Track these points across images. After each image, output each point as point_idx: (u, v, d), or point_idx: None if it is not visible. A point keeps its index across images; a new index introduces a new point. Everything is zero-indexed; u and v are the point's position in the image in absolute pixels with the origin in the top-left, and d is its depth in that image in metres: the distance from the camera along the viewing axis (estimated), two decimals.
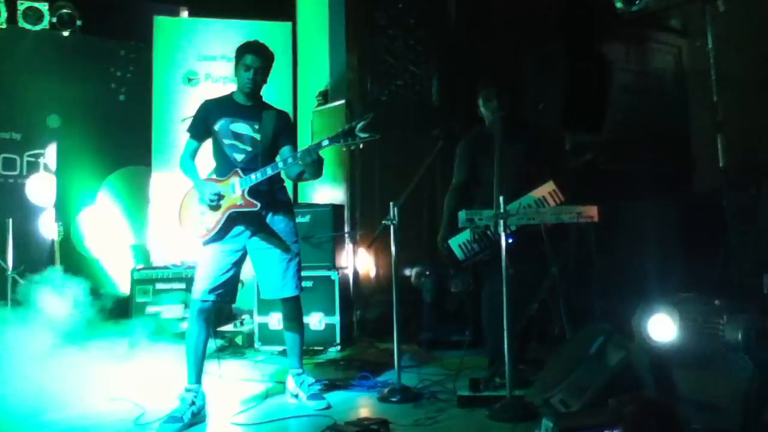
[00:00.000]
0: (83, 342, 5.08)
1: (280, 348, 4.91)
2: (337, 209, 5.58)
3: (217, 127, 3.56)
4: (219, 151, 3.61)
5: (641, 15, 4.89)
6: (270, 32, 6.35)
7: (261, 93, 3.66)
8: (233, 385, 4.17)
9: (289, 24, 6.69)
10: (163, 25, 6.56)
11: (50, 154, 6.99)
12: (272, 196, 3.61)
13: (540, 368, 3.75)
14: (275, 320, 5.04)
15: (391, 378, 3.88)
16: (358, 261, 5.99)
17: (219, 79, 6.46)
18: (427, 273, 5.34)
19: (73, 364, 4.62)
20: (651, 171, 4.86)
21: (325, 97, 6.57)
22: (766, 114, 4.30)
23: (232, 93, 3.69)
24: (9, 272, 5.70)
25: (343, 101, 6.24)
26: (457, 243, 3.93)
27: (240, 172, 3.48)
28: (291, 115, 5.10)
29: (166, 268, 5.68)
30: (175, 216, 3.64)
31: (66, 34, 7.30)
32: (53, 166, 7.00)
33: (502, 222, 3.35)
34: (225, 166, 3.56)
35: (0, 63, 6.91)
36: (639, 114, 5.11)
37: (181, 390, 3.43)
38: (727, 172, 3.89)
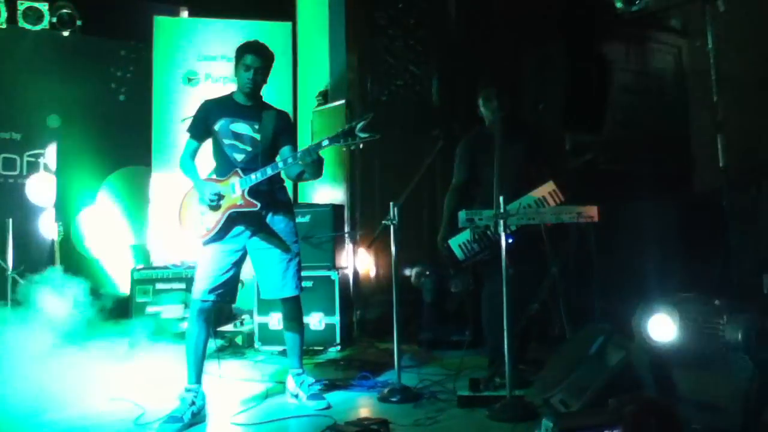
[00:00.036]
0: (83, 342, 5.08)
1: (280, 348, 4.91)
2: (337, 209, 5.58)
3: (217, 127, 3.56)
4: (219, 151, 3.61)
5: (641, 15, 4.89)
6: (270, 32, 6.36)
7: (261, 93, 3.66)
8: (233, 385, 4.17)
9: (289, 24, 6.70)
10: (163, 25, 6.56)
11: (50, 154, 6.99)
12: (272, 196, 3.61)
13: (540, 368, 3.75)
14: (275, 320, 5.04)
15: (391, 378, 3.88)
16: (358, 261, 5.99)
17: (219, 79, 6.46)
18: (427, 273, 5.34)
19: (73, 364, 4.62)
20: (651, 171, 4.86)
21: (325, 97, 6.57)
22: (766, 114, 4.30)
23: (232, 93, 3.69)
24: (9, 272, 5.70)
25: (343, 101, 6.25)
26: (457, 243, 3.93)
27: (240, 172, 3.48)
28: (291, 115, 5.10)
29: (166, 268, 5.68)
30: (175, 216, 3.64)
31: (66, 34, 7.31)
32: (53, 166, 7.00)
33: (502, 222, 3.35)
34: (225, 166, 3.56)
35: (0, 63, 6.91)
36: (639, 114, 5.11)
37: (181, 390, 3.43)
38: (727, 172, 3.89)
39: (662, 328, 2.99)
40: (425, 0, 6.57)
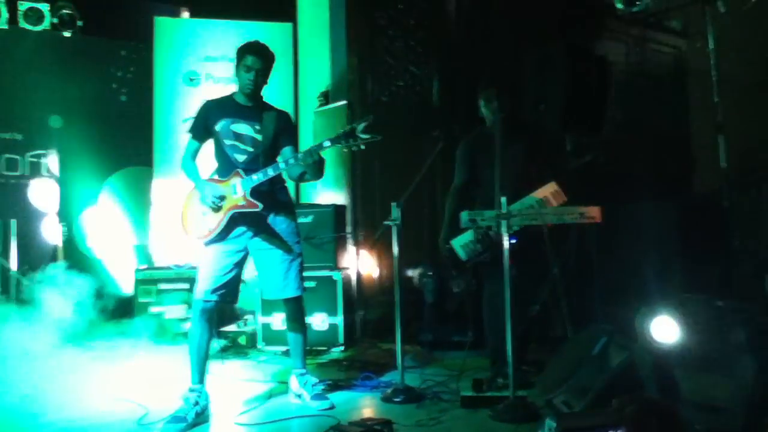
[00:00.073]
0: (86, 342, 5.10)
1: (283, 348, 4.91)
2: (339, 210, 5.59)
3: (218, 127, 3.57)
4: (220, 152, 3.61)
5: (642, 16, 4.90)
6: (271, 33, 6.37)
7: (262, 93, 3.67)
8: (236, 385, 4.17)
9: (289, 25, 6.70)
10: (164, 25, 6.57)
11: (53, 160, 6.98)
12: (273, 196, 3.61)
13: (542, 369, 3.77)
14: (278, 320, 5.05)
15: (394, 378, 3.88)
16: (360, 261, 6.00)
17: (220, 79, 6.47)
18: (429, 273, 5.35)
19: (76, 364, 4.65)
20: (651, 172, 4.87)
21: (326, 97, 6.57)
22: (766, 115, 4.31)
23: (233, 93, 3.69)
24: (12, 272, 5.72)
25: (344, 102, 6.25)
26: (460, 243, 3.94)
27: (241, 172, 3.49)
28: (292, 115, 5.10)
29: (168, 268, 5.69)
30: (177, 217, 3.64)
31: (67, 34, 7.30)
32: (56, 170, 6.98)
33: (505, 222, 3.36)
34: (226, 167, 3.57)
35: (1, 63, 6.91)
36: (639, 114, 5.11)
37: (185, 390, 3.43)
38: (728, 173, 3.91)
39: (665, 329, 2.99)
40: (425, 0, 6.58)
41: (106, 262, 7.10)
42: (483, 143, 3.98)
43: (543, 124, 4.53)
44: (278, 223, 3.63)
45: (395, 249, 3.83)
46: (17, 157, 6.93)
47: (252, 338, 5.33)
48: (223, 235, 3.51)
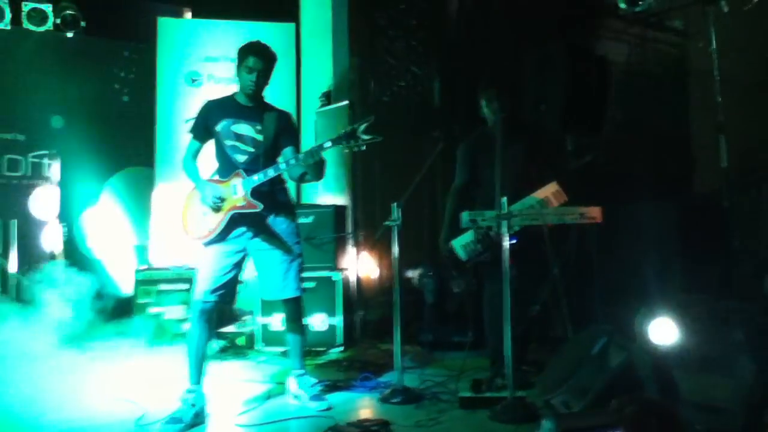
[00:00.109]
0: (85, 342, 5.10)
1: (282, 349, 4.90)
2: (339, 210, 5.59)
3: (218, 127, 3.57)
4: (221, 152, 3.61)
5: (643, 16, 4.89)
6: (273, 33, 6.36)
7: (263, 93, 3.66)
8: (235, 385, 4.17)
9: (292, 25, 6.70)
10: (166, 26, 6.57)
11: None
12: (274, 197, 3.61)
13: (541, 369, 3.76)
14: (277, 321, 5.04)
15: (393, 379, 3.87)
16: (360, 262, 5.99)
17: (222, 80, 6.46)
18: (429, 274, 5.34)
19: (75, 365, 4.65)
20: (651, 172, 4.85)
21: (328, 97, 6.58)
22: (767, 115, 4.30)
23: (234, 94, 3.68)
24: (12, 272, 5.72)
25: (346, 102, 6.25)
26: (460, 244, 3.93)
27: (242, 173, 3.48)
28: (294, 115, 5.10)
29: (168, 269, 5.69)
30: (177, 217, 3.64)
31: (70, 35, 7.32)
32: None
33: (505, 223, 3.35)
34: (227, 167, 3.57)
35: (4, 64, 6.93)
36: (639, 115, 5.10)
37: (183, 391, 3.43)
38: (728, 173, 3.89)
39: (664, 330, 2.98)
40: (426, 1, 6.57)
41: (106, 263, 7.11)
42: (484, 143, 3.97)
43: (543, 124, 4.52)
44: (278, 223, 3.63)
45: (395, 249, 3.82)
46: (19, 157, 6.94)
47: (251, 339, 5.32)
48: (222, 236, 3.50)
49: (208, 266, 3.50)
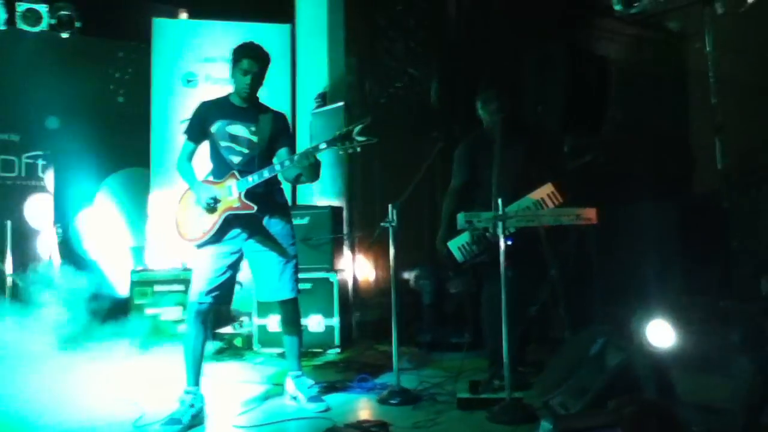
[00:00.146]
0: (81, 343, 5.08)
1: (279, 350, 4.89)
2: (335, 211, 5.58)
3: (213, 128, 3.55)
4: (215, 153, 3.60)
5: (641, 17, 4.89)
6: (269, 34, 6.35)
7: (258, 94, 3.65)
8: (232, 387, 4.16)
9: (288, 26, 6.69)
10: (162, 26, 6.56)
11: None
12: (269, 198, 3.60)
13: (540, 370, 3.75)
14: (274, 322, 5.03)
15: (391, 380, 3.86)
16: (357, 263, 5.98)
17: (218, 80, 6.45)
18: (427, 274, 5.33)
19: (72, 366, 4.63)
20: (651, 172, 4.85)
21: (324, 99, 6.56)
22: (765, 116, 4.30)
23: (229, 94, 3.66)
24: (8, 274, 5.70)
25: (342, 103, 6.23)
26: (456, 245, 3.93)
27: (237, 174, 3.47)
28: (289, 116, 5.09)
29: (164, 270, 5.67)
30: (172, 219, 3.63)
31: (65, 35, 7.29)
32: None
33: (501, 224, 3.34)
34: (222, 168, 3.55)
35: None
36: (639, 115, 5.10)
37: (180, 392, 3.42)
38: (727, 174, 3.89)
39: (662, 330, 2.98)
40: (425, 1, 6.57)
41: (101, 264, 7.08)
42: (482, 144, 3.97)
43: (543, 124, 4.52)
44: (273, 224, 3.61)
45: (392, 250, 3.81)
46: (13, 158, 6.91)
47: (248, 340, 5.32)
48: (217, 237, 3.49)
49: (203, 268, 3.49)
